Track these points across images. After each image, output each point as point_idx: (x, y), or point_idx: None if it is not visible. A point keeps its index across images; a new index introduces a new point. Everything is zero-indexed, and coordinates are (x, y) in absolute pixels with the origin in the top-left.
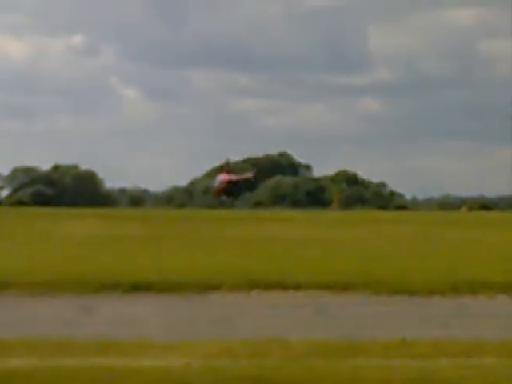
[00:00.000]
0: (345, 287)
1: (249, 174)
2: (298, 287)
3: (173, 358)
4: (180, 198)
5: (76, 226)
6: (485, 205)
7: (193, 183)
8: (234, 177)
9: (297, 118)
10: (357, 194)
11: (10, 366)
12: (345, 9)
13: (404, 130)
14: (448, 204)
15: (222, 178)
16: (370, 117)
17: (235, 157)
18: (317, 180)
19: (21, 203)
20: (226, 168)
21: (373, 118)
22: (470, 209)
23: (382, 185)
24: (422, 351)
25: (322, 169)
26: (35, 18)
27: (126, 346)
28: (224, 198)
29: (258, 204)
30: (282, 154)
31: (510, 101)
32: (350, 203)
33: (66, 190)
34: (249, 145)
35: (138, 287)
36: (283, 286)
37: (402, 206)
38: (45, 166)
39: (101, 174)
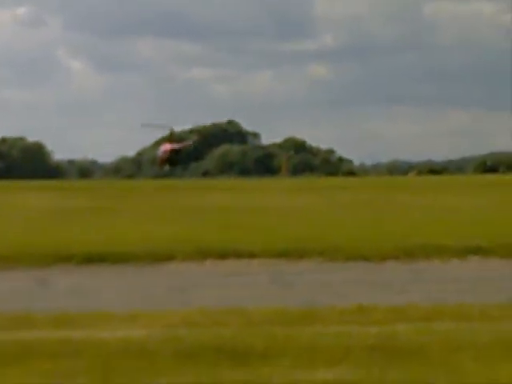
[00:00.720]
0: (299, 255)
1: (189, 142)
2: (252, 255)
3: (132, 329)
4: (128, 169)
5: (26, 198)
6: (433, 169)
7: (140, 154)
8: (176, 146)
9: (244, 86)
10: (305, 161)
11: None
12: None
13: (351, 95)
14: (396, 169)
15: (165, 147)
16: (317, 83)
17: (183, 126)
18: (265, 148)
19: None
20: (168, 137)
21: (320, 84)
22: (419, 173)
23: (331, 151)
24: (380, 317)
25: (270, 136)
26: None
27: (84, 318)
28: (167, 167)
29: (206, 173)
30: (230, 122)
31: (457, 64)
32: (298, 170)
33: (14, 162)
34: (197, 113)
35: (92, 259)
36: (237, 255)
37: (351, 172)
38: None
39: (49, 146)
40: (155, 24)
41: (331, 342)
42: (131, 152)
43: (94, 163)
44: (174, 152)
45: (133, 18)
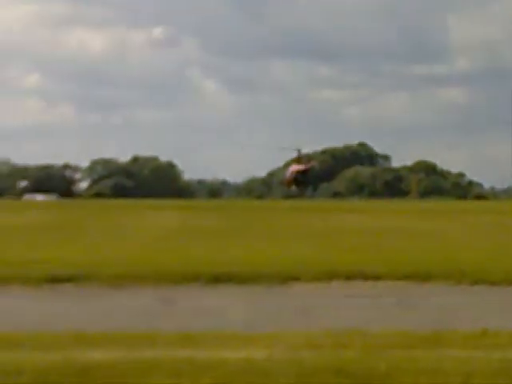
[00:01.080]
0: (425, 277)
1: (313, 163)
2: (378, 277)
3: (255, 350)
4: (258, 189)
5: (156, 217)
6: None
7: (271, 174)
8: (301, 167)
9: (376, 108)
10: (435, 184)
11: (93, 358)
12: None
13: (484, 119)
14: None
15: (292, 168)
16: (450, 106)
17: (315, 147)
18: (395, 170)
19: (100, 195)
20: (296, 159)
21: (452, 108)
22: None
23: (461, 175)
24: (504, 342)
25: (401, 159)
26: (116, 10)
27: (207, 338)
28: (293, 188)
29: (336, 194)
30: (361, 145)
31: None
32: (428, 193)
33: (145, 181)
34: (328, 135)
35: (219, 278)
36: (363, 277)
37: (481, 196)
38: (124, 158)
39: (180, 166)
40: (288, 46)
41: (453, 366)
42: (261, 173)
43: (224, 183)
44: (299, 173)
45: (267, 40)
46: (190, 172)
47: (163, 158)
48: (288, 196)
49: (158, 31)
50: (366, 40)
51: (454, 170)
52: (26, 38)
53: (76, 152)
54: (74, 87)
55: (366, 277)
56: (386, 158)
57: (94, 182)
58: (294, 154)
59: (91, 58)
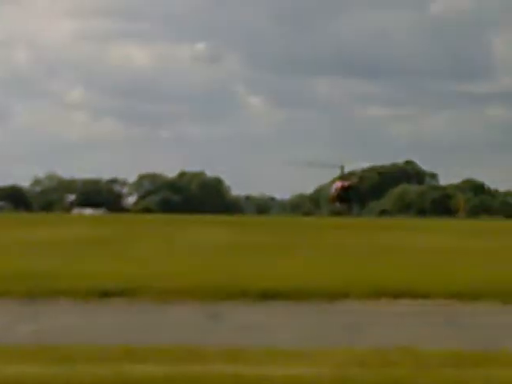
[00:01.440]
0: (474, 296)
1: (354, 180)
2: (426, 296)
3: (303, 367)
4: (306, 206)
5: (203, 233)
6: None
7: (318, 191)
8: (344, 183)
9: (422, 126)
10: (483, 202)
11: (141, 372)
12: (469, 16)
13: None
14: None
15: (337, 185)
16: (497, 124)
17: (361, 164)
18: (443, 188)
19: (148, 210)
20: (340, 175)
21: (499, 126)
22: None
23: (510, 194)
24: None
25: (448, 177)
26: (160, 25)
27: (255, 354)
28: (338, 204)
29: (383, 212)
30: (408, 162)
31: None
32: (476, 212)
33: (192, 196)
34: (375, 153)
35: (266, 295)
36: (412, 295)
37: None
38: (171, 173)
39: (227, 181)
40: (334, 63)
41: None
42: (309, 189)
43: (271, 199)
44: (342, 190)
45: (313, 57)
46: (237, 188)
47: (210, 173)
48: (335, 213)
49: (202, 46)
50: (412, 58)
51: (503, 188)
52: (70, 53)
53: (123, 166)
54: (119, 101)
55: (414, 295)
56: (433, 176)
57: (142, 197)
58: (337, 171)
59: (136, 72)
